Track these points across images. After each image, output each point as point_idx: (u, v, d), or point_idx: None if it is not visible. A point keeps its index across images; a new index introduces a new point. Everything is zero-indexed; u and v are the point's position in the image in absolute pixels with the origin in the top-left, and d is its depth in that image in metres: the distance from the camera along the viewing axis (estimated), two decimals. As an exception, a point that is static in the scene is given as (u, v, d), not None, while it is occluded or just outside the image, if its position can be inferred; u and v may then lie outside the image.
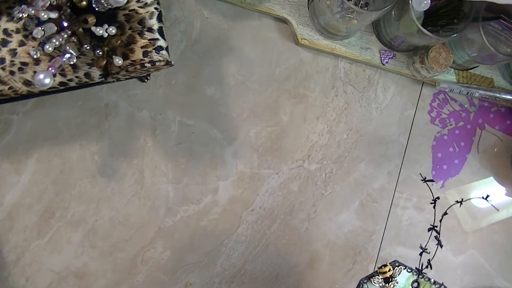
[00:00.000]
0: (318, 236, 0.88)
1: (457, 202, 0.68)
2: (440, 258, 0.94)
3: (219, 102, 0.83)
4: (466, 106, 0.95)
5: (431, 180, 0.70)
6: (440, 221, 0.66)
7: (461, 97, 0.95)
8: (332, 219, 0.89)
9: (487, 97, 0.92)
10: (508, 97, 0.92)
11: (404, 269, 0.68)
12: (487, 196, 0.67)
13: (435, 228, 0.68)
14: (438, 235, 0.67)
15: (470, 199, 0.71)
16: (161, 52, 0.63)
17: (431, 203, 0.68)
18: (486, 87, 0.93)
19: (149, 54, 0.62)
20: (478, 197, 0.69)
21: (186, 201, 0.82)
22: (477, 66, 0.92)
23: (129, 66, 0.62)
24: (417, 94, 0.93)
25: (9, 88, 0.61)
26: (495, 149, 0.97)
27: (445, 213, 0.67)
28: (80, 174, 0.77)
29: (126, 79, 0.70)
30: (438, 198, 0.69)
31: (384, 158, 0.91)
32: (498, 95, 0.92)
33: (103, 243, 0.79)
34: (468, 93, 0.91)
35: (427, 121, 0.93)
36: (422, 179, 0.69)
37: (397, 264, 0.68)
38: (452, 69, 0.92)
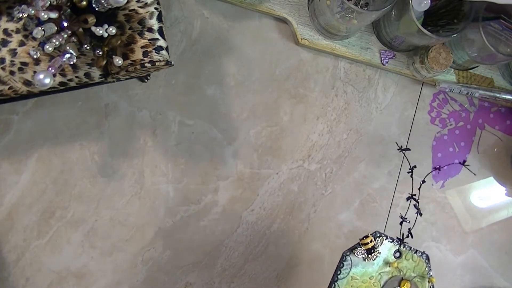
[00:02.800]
0: (318, 236, 0.88)
1: (435, 168, 0.69)
2: (440, 258, 0.94)
3: (219, 102, 0.83)
4: (466, 106, 0.95)
5: (407, 149, 0.71)
6: (419, 189, 0.67)
7: (461, 97, 0.95)
8: (332, 219, 0.89)
9: (487, 97, 0.92)
10: (508, 97, 0.92)
11: (385, 239, 0.68)
12: (464, 161, 0.68)
13: (414, 196, 0.68)
14: (417, 204, 0.68)
15: (447, 165, 0.72)
16: (161, 52, 0.63)
17: (408, 172, 0.69)
18: (486, 87, 0.93)
19: (149, 54, 0.62)
20: (456, 163, 0.70)
21: (186, 201, 0.82)
22: (477, 66, 0.92)
23: (129, 66, 0.62)
24: (417, 94, 0.93)
25: (9, 88, 0.61)
26: (495, 149, 0.97)
27: (423, 181, 0.68)
28: (80, 174, 0.77)
29: (126, 79, 0.70)
30: (415, 166, 0.70)
31: (384, 158, 0.91)
32: (498, 95, 0.92)
33: (103, 243, 0.79)
34: (468, 93, 0.91)
35: (427, 121, 0.93)
36: (398, 148, 0.70)
37: (378, 235, 0.68)
38: (452, 69, 0.92)
